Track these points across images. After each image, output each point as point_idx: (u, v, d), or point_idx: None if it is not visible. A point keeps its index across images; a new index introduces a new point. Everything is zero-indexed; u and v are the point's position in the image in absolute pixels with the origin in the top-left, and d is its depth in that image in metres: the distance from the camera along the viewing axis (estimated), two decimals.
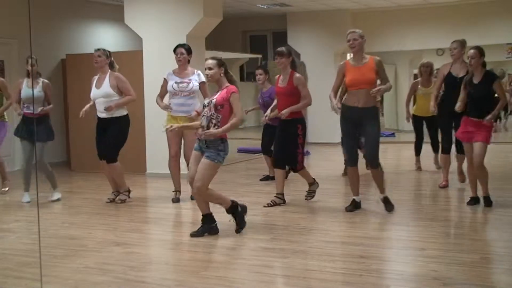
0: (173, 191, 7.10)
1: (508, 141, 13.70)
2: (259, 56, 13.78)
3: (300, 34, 13.38)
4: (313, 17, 13.07)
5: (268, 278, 4.25)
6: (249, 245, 5.03)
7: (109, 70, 6.94)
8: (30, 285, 4.19)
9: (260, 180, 8.37)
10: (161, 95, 6.99)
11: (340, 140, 6.90)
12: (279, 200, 6.64)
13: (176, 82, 6.82)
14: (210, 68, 5.38)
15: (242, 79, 15.43)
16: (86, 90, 7.32)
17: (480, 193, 6.28)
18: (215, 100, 5.30)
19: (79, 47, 10.87)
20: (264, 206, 6.53)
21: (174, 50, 6.93)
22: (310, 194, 6.89)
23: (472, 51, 6.15)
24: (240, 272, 4.40)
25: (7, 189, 7.92)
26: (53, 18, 10.55)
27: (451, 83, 6.96)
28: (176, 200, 7.01)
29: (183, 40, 8.58)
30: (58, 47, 10.64)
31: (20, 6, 9.33)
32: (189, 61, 6.93)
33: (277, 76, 6.70)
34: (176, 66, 6.97)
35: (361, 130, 6.08)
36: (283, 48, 6.54)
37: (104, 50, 7.03)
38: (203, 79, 6.78)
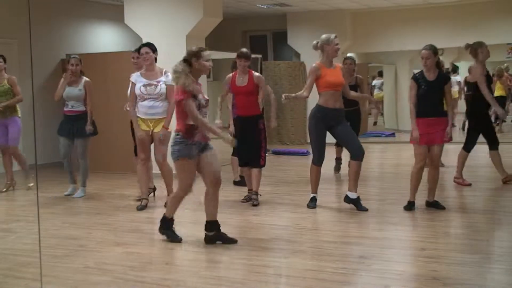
0: (139, 199, 6.75)
1: (508, 141, 13.68)
2: (259, 56, 13.75)
3: (300, 34, 13.37)
4: (313, 17, 13.06)
5: (268, 278, 4.25)
6: (249, 245, 5.03)
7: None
8: (30, 285, 4.19)
9: (235, 184, 8.01)
10: (132, 100, 6.55)
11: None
12: (255, 196, 6.77)
13: (144, 85, 6.44)
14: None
15: None
16: None
17: (416, 197, 6.29)
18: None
19: (79, 47, 10.88)
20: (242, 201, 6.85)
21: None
22: (255, 200, 6.76)
23: (426, 51, 6.03)
24: (240, 272, 4.40)
25: (31, 184, 8.06)
26: (53, 18, 10.55)
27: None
28: (142, 208, 6.62)
29: (182, 40, 8.59)
30: (58, 47, 10.64)
31: (20, 6, 9.34)
32: (156, 59, 6.57)
33: (231, 75, 6.80)
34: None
35: (333, 129, 6.31)
36: (247, 51, 6.77)
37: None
38: (171, 81, 6.46)
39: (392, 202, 6.60)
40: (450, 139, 6.13)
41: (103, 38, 11.56)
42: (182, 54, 5.06)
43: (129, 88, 6.66)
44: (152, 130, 6.52)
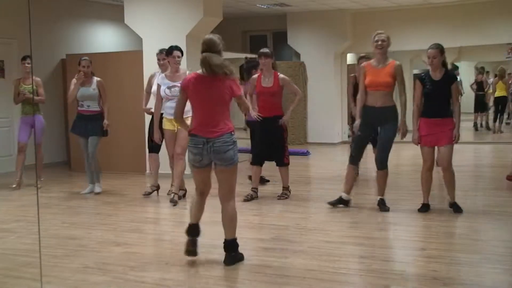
0: (179, 191, 6.91)
1: (508, 141, 13.69)
2: None
3: (300, 34, 13.38)
4: (313, 17, 13.06)
5: (268, 278, 4.25)
6: (249, 245, 5.03)
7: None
8: (30, 285, 4.19)
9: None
10: (159, 100, 6.77)
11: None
12: (255, 194, 6.99)
13: (168, 87, 6.66)
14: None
15: (242, 78, 15.41)
16: None
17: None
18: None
19: (79, 47, 10.87)
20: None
21: (167, 53, 6.76)
22: (283, 195, 7.10)
23: (432, 50, 5.94)
24: (240, 272, 4.40)
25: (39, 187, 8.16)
26: (53, 18, 10.55)
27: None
28: (172, 201, 6.82)
29: (182, 40, 8.58)
30: (58, 47, 10.65)
31: (20, 6, 9.33)
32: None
33: (256, 76, 6.95)
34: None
35: (379, 129, 6.33)
36: (267, 50, 6.89)
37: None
38: None
39: (392, 202, 6.58)
40: (456, 141, 6.02)
41: (103, 38, 11.56)
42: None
43: (152, 86, 7.02)
44: (177, 128, 6.72)
